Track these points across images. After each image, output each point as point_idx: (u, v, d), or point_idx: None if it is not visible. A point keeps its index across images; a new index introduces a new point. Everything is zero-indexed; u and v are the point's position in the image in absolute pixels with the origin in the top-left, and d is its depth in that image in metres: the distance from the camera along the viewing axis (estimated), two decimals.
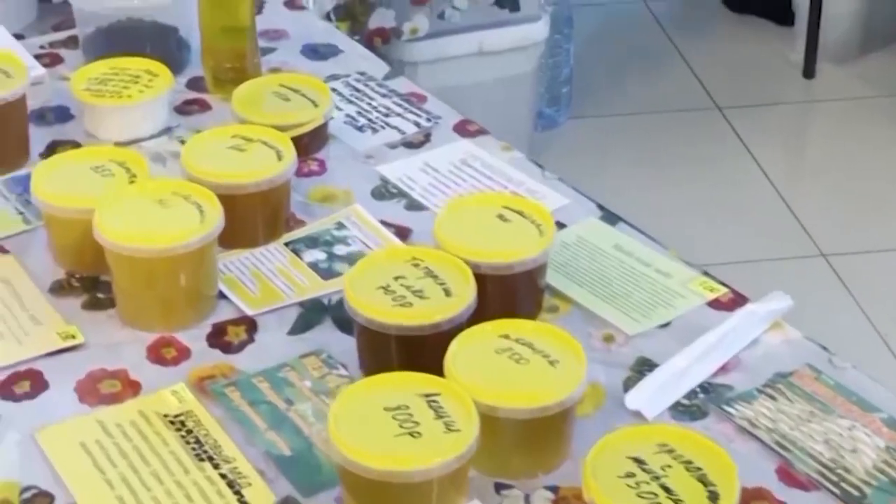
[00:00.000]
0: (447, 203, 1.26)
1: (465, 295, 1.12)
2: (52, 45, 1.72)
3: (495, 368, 1.04)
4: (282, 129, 1.42)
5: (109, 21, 1.63)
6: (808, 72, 3.03)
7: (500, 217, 1.23)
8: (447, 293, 1.12)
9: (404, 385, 1.01)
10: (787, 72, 3.08)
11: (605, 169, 2.59)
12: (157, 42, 1.64)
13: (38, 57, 1.67)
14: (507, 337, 1.07)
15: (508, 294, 1.19)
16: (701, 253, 1.35)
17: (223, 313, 1.23)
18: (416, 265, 1.16)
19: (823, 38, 3.00)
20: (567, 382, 1.03)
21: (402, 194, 1.42)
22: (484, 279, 1.15)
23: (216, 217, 1.20)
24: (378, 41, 2.05)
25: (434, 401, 1.00)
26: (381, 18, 2.03)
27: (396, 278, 1.14)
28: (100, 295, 1.25)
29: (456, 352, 1.05)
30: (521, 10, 2.17)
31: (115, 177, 1.29)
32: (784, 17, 3.20)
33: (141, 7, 1.60)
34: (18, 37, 1.73)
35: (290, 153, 1.33)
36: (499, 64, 2.21)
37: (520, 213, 1.23)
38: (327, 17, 1.98)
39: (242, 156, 1.33)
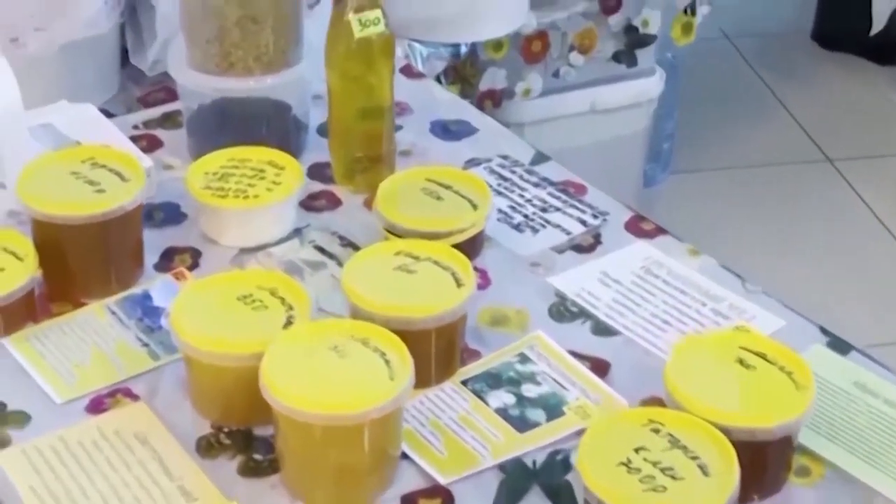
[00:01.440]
0: (674, 347, 1.06)
1: (729, 475, 0.92)
2: (146, 124, 1.52)
3: None
4: (437, 236, 1.22)
5: (214, 98, 1.43)
6: None
7: (741, 363, 1.03)
8: (703, 471, 0.93)
9: None
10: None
11: (713, 230, 2.39)
12: (272, 122, 1.44)
13: (133, 139, 1.46)
14: None
15: (760, 460, 0.99)
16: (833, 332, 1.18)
17: (408, 480, 1.03)
18: (656, 431, 0.96)
19: None
20: None
21: (584, 314, 1.22)
22: (731, 444, 0.96)
23: (407, 372, 1.00)
24: (489, 104, 1.85)
25: None
26: (492, 79, 1.83)
27: (637, 450, 0.94)
28: (257, 456, 1.05)
29: None
30: (637, 65, 1.98)
31: (269, 310, 1.09)
32: (882, 55, 3.01)
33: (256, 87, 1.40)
34: (104, 114, 1.53)
35: (470, 277, 1.13)
36: (611, 122, 2.02)
37: (762, 356, 1.04)
38: (437, 81, 1.79)
39: (413, 280, 1.13)
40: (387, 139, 1.39)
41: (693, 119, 2.54)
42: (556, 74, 1.91)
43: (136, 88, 1.61)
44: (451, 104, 1.59)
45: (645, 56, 1.99)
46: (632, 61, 1.97)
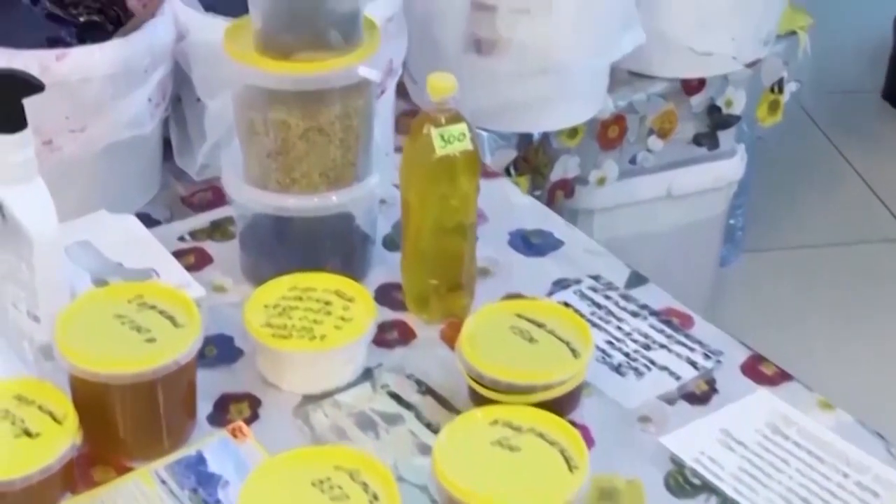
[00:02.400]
0: None
1: None
2: (193, 235, 1.36)
3: None
4: (532, 389, 1.07)
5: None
6: None
7: None
8: None
9: None
10: None
11: (788, 317, 2.22)
12: (336, 236, 1.28)
13: (179, 254, 1.31)
14: None
15: None
16: None
17: None
18: None
19: None
20: None
21: (707, 487, 1.05)
22: None
23: None
24: (560, 195, 1.70)
25: None
26: (564, 168, 1.68)
27: None
28: None
29: None
30: (719, 147, 1.82)
31: (351, 500, 0.93)
32: None
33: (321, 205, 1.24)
34: (146, 220, 1.37)
35: (583, 458, 0.96)
36: (687, 207, 1.86)
37: None
38: (507, 172, 1.63)
39: (515, 461, 0.96)
40: (468, 263, 1.23)
41: (762, 190, 2.34)
42: (633, 160, 1.75)
43: (180, 185, 1.46)
44: (530, 210, 1.43)
45: (726, 137, 1.83)
46: (713, 144, 1.81)
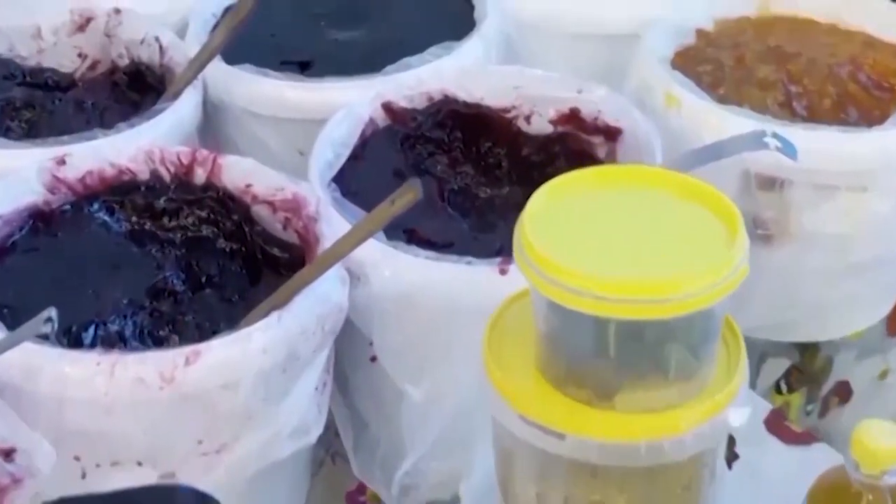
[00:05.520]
0: None
1: None
2: None
3: None
4: None
5: None
6: None
7: None
8: None
9: None
10: None
11: None
12: None
13: None
14: None
15: None
16: None
17: None
18: None
19: None
20: None
21: None
22: None
23: None
24: (835, 401, 1.23)
25: None
26: (842, 369, 1.20)
27: None
28: None
29: None
30: None
31: None
32: None
33: None
34: None
35: None
36: None
37: None
38: (776, 390, 1.16)
39: None
40: None
41: None
42: None
43: (338, 468, 0.98)
44: None
45: None
46: None
